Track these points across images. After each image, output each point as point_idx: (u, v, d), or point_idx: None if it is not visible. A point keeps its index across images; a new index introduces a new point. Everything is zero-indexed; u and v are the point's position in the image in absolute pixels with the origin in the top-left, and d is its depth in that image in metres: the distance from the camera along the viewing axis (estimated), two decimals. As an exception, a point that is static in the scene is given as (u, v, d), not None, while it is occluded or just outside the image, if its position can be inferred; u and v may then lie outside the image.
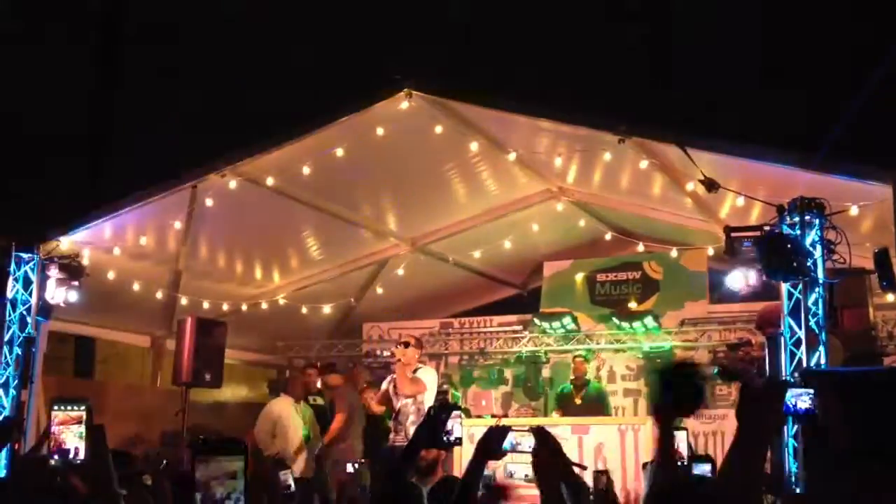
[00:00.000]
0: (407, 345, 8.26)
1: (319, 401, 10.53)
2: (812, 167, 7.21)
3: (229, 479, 2.22)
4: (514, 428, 3.35)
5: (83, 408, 2.98)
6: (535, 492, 4.97)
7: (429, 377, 8.32)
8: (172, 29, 15.81)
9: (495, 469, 8.42)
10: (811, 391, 3.04)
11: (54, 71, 14.83)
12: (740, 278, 7.51)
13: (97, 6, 16.33)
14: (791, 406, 3.00)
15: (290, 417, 9.46)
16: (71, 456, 2.94)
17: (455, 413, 3.15)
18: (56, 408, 3.00)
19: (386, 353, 8.61)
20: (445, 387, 11.46)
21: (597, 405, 10.26)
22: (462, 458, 8.86)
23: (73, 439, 2.96)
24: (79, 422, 2.97)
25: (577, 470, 3.49)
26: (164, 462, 5.62)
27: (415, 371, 8.30)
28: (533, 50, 15.53)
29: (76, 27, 15.88)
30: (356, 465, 6.75)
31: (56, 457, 2.98)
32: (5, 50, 14.25)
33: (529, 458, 3.38)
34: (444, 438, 3.12)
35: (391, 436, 8.36)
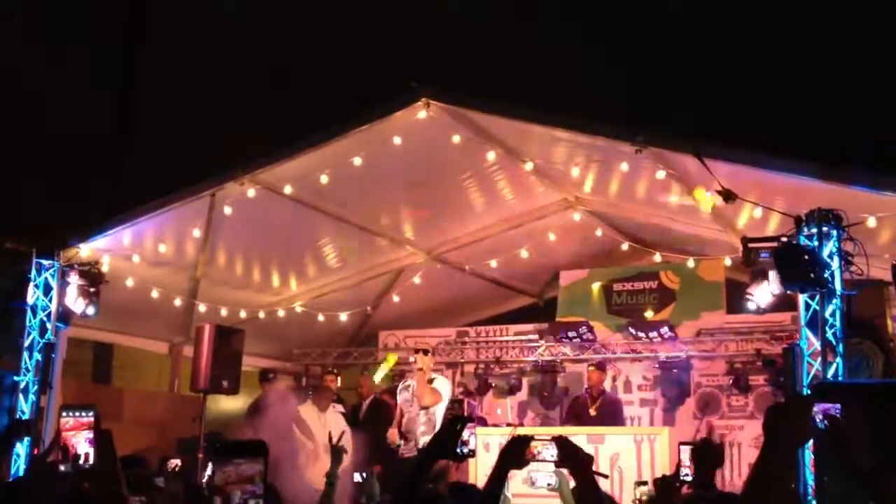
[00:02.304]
0: (426, 352, 8.35)
1: (339, 408, 10.56)
2: (830, 178, 7.20)
3: (247, 482, 2.21)
4: (535, 437, 3.37)
5: (91, 414, 3.01)
6: (557, 501, 4.99)
7: (444, 388, 8.38)
8: (191, 37, 15.92)
9: (511, 477, 8.45)
10: (838, 406, 3.04)
11: (75, 80, 14.95)
12: (765, 293, 7.46)
13: (119, 10, 16.44)
14: (817, 421, 3.00)
15: (312, 426, 9.47)
16: (80, 461, 2.98)
17: (470, 424, 3.17)
18: (65, 414, 3.03)
19: (411, 359, 8.69)
20: (461, 397, 11.47)
21: (613, 415, 10.23)
22: (477, 467, 8.88)
23: (82, 445, 2.99)
24: (87, 427, 3.00)
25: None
26: (176, 465, 5.64)
27: (431, 381, 8.36)
28: (550, 60, 15.54)
29: (99, 31, 16.00)
30: (363, 475, 6.73)
31: (66, 462, 3.02)
32: (25, 56, 14.38)
33: (552, 466, 3.40)
34: (459, 450, 3.14)
35: (400, 447, 8.40)
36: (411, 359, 8.74)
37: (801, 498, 6.35)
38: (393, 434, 8.84)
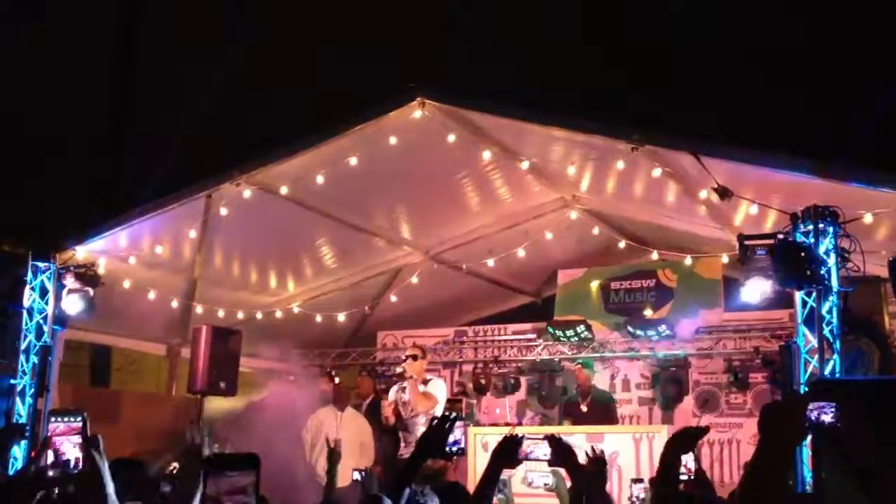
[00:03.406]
0: (416, 357, 8.27)
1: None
2: (826, 175, 7.19)
3: (240, 494, 2.20)
4: (528, 436, 3.37)
5: (80, 419, 3.00)
6: (555, 501, 5.01)
7: (439, 390, 8.34)
8: (185, 39, 15.91)
9: (510, 476, 8.45)
10: (834, 404, 3.03)
11: (70, 81, 14.93)
12: (755, 290, 7.44)
13: (114, 12, 16.43)
14: (813, 419, 2.99)
15: (330, 427, 9.45)
16: (70, 466, 2.96)
17: (458, 423, 3.17)
18: (54, 419, 3.02)
19: (398, 370, 8.63)
20: (460, 397, 11.47)
21: (603, 410, 10.23)
22: (475, 467, 8.88)
23: (71, 450, 2.98)
24: (76, 432, 2.98)
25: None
26: (174, 468, 5.63)
27: (425, 382, 8.31)
28: (546, 58, 15.53)
29: (96, 36, 15.99)
30: (363, 474, 6.74)
31: (55, 468, 3.00)
32: (22, 57, 14.37)
33: (547, 466, 3.39)
34: (449, 448, 3.14)
35: (401, 449, 8.37)
36: (398, 369, 8.66)
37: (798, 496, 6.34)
38: (387, 408, 8.58)
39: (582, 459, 3.70)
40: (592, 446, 4.09)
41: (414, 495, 3.06)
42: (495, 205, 10.55)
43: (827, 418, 3.01)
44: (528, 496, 8.41)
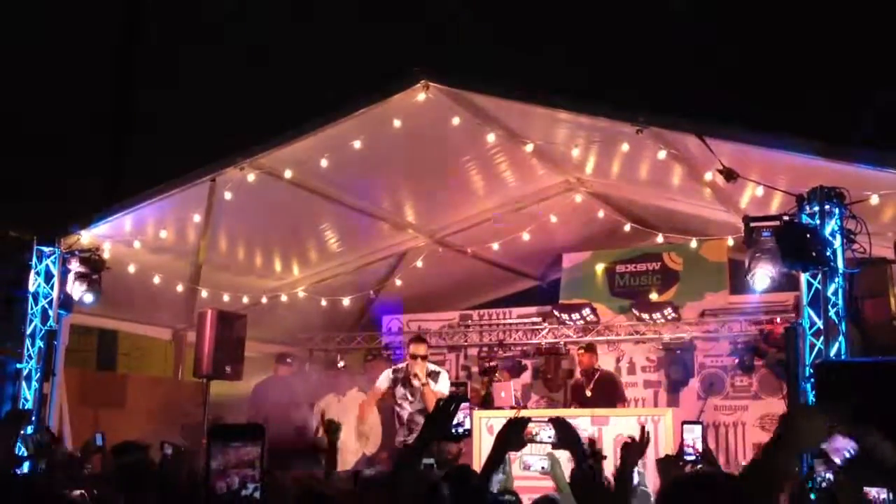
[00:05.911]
0: (425, 357, 8.32)
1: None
2: (832, 156, 7.15)
3: (246, 466, 2.19)
4: (533, 419, 3.36)
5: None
6: (550, 483, 5.01)
7: (445, 385, 8.41)
8: (191, 22, 15.87)
9: (512, 461, 8.46)
10: (855, 443, 3.05)
11: (75, 67, 14.92)
12: (762, 275, 7.40)
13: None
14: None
15: (331, 413, 9.47)
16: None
17: (463, 405, 3.17)
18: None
19: (415, 383, 8.58)
20: (466, 382, 11.47)
21: (608, 391, 10.23)
22: (481, 449, 8.89)
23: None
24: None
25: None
26: (173, 449, 5.57)
27: (433, 377, 8.35)
28: (550, 40, 15.47)
29: (98, 23, 15.95)
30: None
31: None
32: (26, 42, 14.35)
33: (546, 449, 3.39)
34: (453, 430, 3.13)
35: (403, 437, 8.39)
36: (416, 382, 8.64)
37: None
38: (365, 405, 8.62)
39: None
40: (643, 426, 4.10)
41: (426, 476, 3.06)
42: (500, 188, 10.52)
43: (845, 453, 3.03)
44: (524, 479, 8.43)
